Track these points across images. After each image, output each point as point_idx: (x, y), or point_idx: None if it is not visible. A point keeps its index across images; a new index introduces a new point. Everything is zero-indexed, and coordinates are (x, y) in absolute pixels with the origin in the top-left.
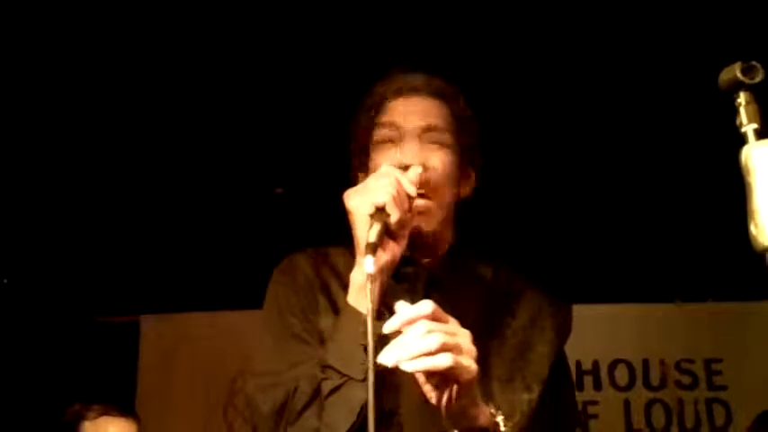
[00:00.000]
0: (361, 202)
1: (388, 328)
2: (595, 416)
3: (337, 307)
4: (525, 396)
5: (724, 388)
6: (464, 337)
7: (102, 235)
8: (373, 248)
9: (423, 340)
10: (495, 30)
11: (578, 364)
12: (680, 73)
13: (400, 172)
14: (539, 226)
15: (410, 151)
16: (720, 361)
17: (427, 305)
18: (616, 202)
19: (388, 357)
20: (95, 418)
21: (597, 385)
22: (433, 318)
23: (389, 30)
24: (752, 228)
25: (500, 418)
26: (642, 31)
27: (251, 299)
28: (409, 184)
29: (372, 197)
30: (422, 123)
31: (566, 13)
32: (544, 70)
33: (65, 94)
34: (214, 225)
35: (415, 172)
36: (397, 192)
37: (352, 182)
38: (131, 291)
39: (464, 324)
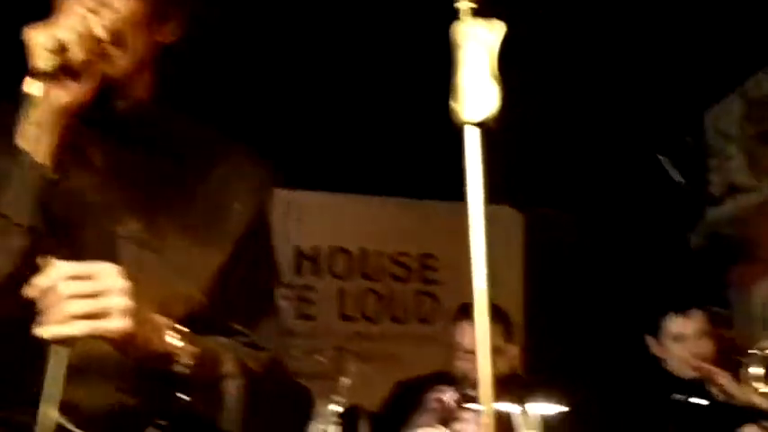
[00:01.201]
0: (41, 35)
1: (30, 293)
2: (312, 301)
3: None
4: (215, 256)
5: (435, 282)
6: (112, 294)
7: None
8: (41, 75)
9: (61, 310)
10: None
11: (298, 249)
12: None
13: (91, 13)
14: (264, 103)
15: None
16: (434, 257)
17: (65, 267)
18: (338, 93)
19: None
20: None
21: (316, 271)
22: (76, 277)
23: None
24: (453, 103)
25: (175, 341)
26: None
27: None
28: (100, 27)
29: (56, 32)
30: None
31: None
32: None
33: None
34: None
35: (110, 17)
36: (85, 31)
37: None
38: None
39: (154, 179)
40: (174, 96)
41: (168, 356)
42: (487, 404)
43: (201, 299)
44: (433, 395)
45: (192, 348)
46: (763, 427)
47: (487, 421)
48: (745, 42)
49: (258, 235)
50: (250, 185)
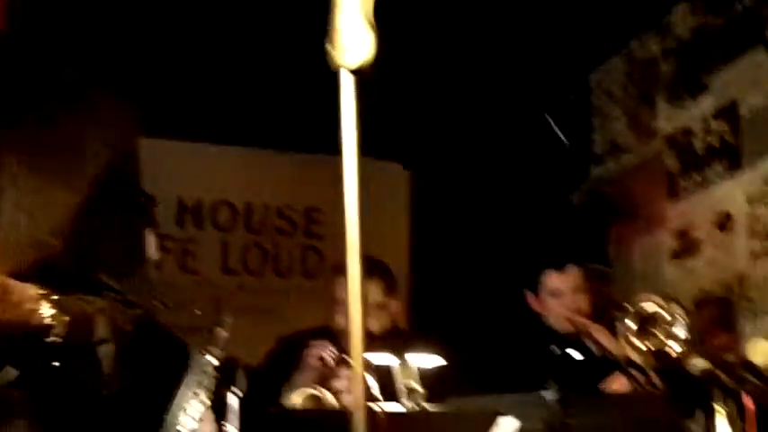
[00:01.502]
0: None
1: None
2: (194, 254)
3: None
4: (69, 198)
5: (320, 237)
6: None
7: None
8: None
9: None
10: None
11: (180, 201)
12: None
13: None
14: (143, 54)
15: None
16: (320, 211)
17: None
18: (224, 41)
19: None
20: None
21: (198, 224)
22: None
23: None
24: (329, 47)
25: (46, 311)
26: None
27: None
28: None
29: None
30: None
31: None
32: None
33: None
34: None
35: None
36: None
37: None
38: None
39: (9, 116)
40: (31, 32)
41: (39, 328)
42: (357, 357)
43: (55, 243)
44: (312, 351)
45: (63, 317)
46: (631, 377)
47: (358, 372)
48: (631, 4)
49: (120, 179)
50: (111, 127)
